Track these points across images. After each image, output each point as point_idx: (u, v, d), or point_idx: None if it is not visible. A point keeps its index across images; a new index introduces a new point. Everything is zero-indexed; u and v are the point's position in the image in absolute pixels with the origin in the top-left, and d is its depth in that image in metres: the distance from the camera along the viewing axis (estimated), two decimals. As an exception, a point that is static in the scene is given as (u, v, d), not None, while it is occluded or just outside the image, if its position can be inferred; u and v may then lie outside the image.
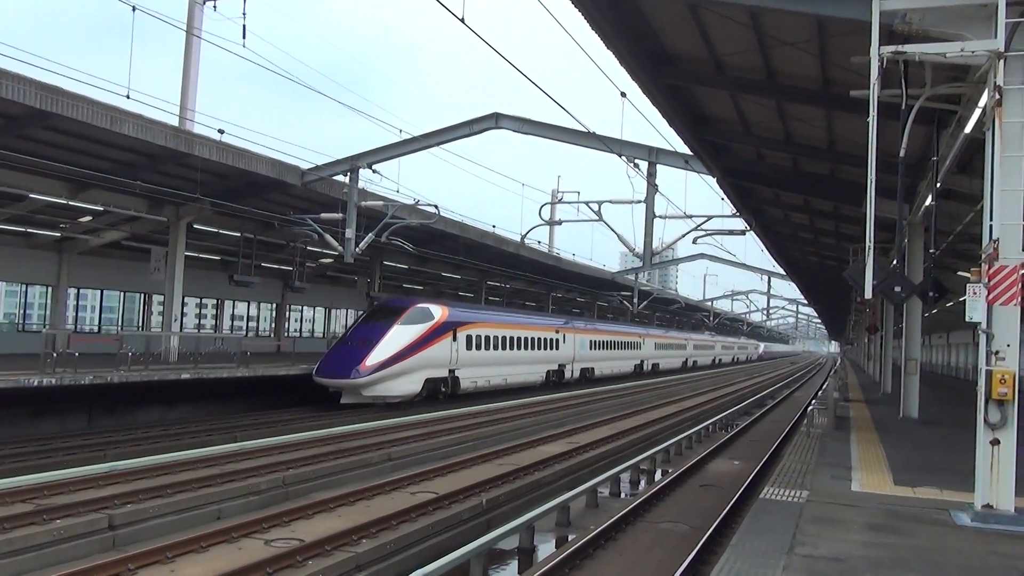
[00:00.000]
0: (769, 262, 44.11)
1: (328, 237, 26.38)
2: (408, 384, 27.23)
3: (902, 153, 10.24)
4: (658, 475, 17.39)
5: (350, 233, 25.63)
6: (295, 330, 43.29)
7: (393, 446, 18.20)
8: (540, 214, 26.88)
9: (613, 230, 25.96)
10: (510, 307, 49.67)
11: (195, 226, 27.04)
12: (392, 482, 14.12)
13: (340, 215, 25.59)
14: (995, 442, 8.58)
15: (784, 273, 47.70)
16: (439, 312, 28.97)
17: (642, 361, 54.08)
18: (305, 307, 43.86)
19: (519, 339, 35.32)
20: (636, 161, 21.65)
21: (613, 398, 34.72)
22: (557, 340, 39.55)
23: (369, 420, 22.50)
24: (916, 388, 19.83)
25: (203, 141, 20.83)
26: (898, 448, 14.64)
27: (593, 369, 44.33)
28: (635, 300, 52.53)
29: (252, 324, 40.72)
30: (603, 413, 28.66)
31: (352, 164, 24.85)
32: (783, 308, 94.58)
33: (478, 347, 31.40)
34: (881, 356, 34.49)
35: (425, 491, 13.65)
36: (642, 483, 16.53)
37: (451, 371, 29.67)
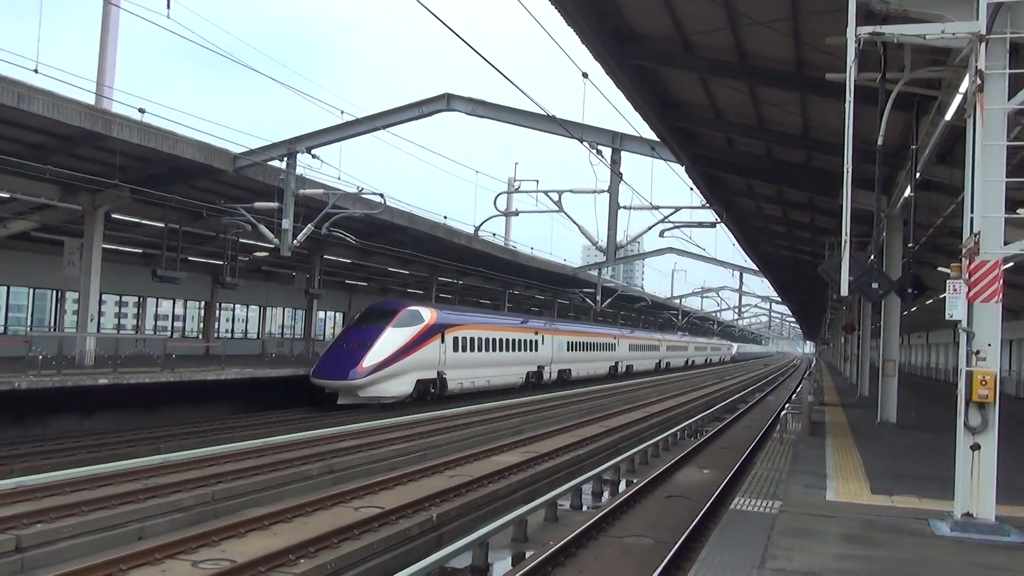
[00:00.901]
0: (741, 257, 44.75)
1: (263, 228, 26.09)
2: (401, 385, 30.21)
3: (880, 141, 10.45)
4: (622, 486, 17.50)
5: (287, 224, 25.38)
6: (226, 330, 42.73)
7: (335, 457, 18.08)
8: (495, 204, 26.91)
9: (575, 222, 26.08)
10: (492, 309, 52.62)
11: (114, 216, 26.52)
12: (333, 496, 14.01)
13: (276, 204, 25.31)
14: (975, 447, 8.79)
15: (757, 269, 48.39)
16: (428, 315, 32.15)
17: (617, 363, 57.48)
18: (237, 305, 43.32)
19: (502, 341, 38.60)
20: (599, 147, 21.77)
21: (575, 403, 34.91)
22: (536, 342, 42.87)
23: (309, 429, 22.35)
24: (894, 391, 20.26)
25: (122, 121, 20.42)
26: (875, 454, 14.95)
27: (570, 371, 47.65)
28: (598, 298, 52.85)
29: (178, 324, 40.10)
30: (564, 419, 28.79)
31: (289, 148, 24.58)
32: (756, 306, 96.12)
33: (464, 349, 34.55)
34: (858, 357, 35.22)
35: (370, 506, 13.57)
36: (605, 495, 16.63)
37: (439, 373, 32.69)
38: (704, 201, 25.59)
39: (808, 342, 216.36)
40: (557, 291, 57.00)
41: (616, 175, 22.79)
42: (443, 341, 32.71)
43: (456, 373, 33.78)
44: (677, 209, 26.37)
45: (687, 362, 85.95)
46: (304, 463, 17.18)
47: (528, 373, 41.95)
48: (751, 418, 32.17)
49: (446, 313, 34.31)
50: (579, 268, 53.06)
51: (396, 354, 29.79)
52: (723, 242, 43.07)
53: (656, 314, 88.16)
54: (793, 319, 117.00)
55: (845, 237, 9.72)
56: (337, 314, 51.83)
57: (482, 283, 50.75)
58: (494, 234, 39.24)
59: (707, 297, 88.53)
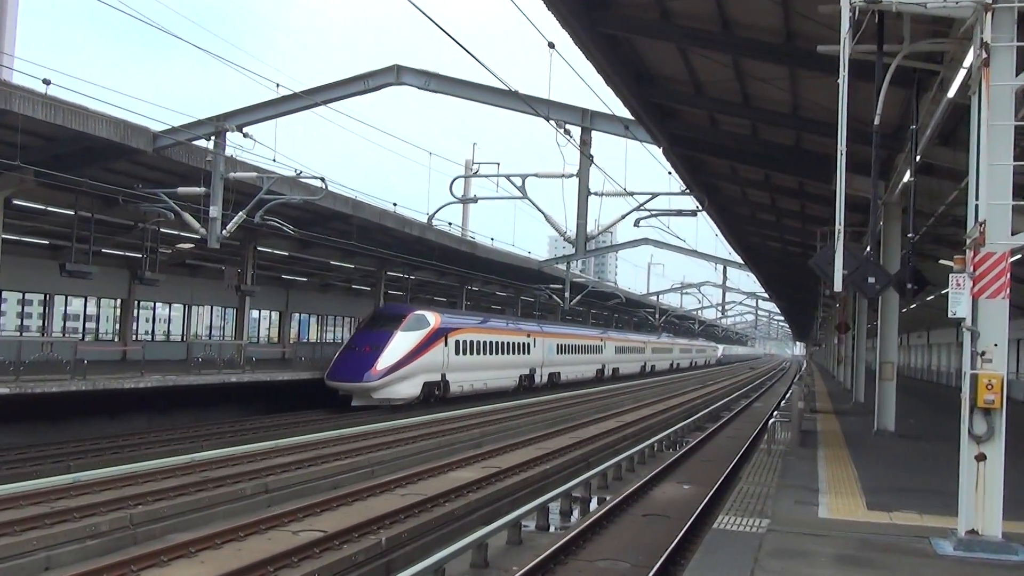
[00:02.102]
0: (724, 249, 45.18)
1: (188, 217, 25.80)
2: (410, 388, 34.96)
3: (877, 120, 10.57)
4: (594, 504, 17.61)
5: (215, 211, 25.12)
6: (146, 332, 42.20)
7: (270, 474, 17.97)
8: (451, 190, 26.80)
9: (540, 210, 26.09)
10: (484, 312, 56.80)
11: (15, 202, 26.04)
12: (270, 519, 13.92)
13: (202, 189, 25.03)
14: (980, 457, 8.92)
15: (742, 262, 48.83)
16: (433, 319, 37.12)
17: (603, 365, 62.66)
18: (159, 304, 42.81)
19: (498, 344, 43.52)
20: (567, 126, 21.79)
21: (542, 411, 35.02)
22: (528, 344, 47.78)
23: (241, 444, 22.19)
24: (892, 396, 20.56)
25: (24, 94, 20.03)
26: (872, 466, 15.17)
27: (559, 374, 52.61)
28: (567, 294, 52.98)
29: (90, 325, 39.53)
30: (528, 430, 28.87)
31: (217, 126, 24.31)
32: (741, 303, 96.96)
33: (465, 352, 39.41)
34: (853, 359, 35.70)
35: (311, 529, 13.50)
36: (575, 514, 16.71)
37: (443, 375, 37.50)
38: (684, 187, 25.74)
39: (798, 343, 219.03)
40: (521, 287, 57.05)
41: (586, 157, 22.84)
42: (446, 344, 37.56)
43: (457, 376, 38.56)
44: (654, 196, 26.48)
45: (672, 365, 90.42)
46: (236, 481, 17.04)
47: (521, 376, 46.67)
48: (736, 427, 32.49)
49: (448, 317, 39.27)
50: (545, 261, 53.14)
51: (406, 357, 34.63)
52: (705, 232, 43.59)
53: (631, 312, 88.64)
54: (782, 318, 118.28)
55: (839, 227, 9.83)
56: (273, 313, 51.43)
57: (436, 278, 50.64)
58: (450, 223, 39.11)
59: (687, 293, 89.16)
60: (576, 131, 22.28)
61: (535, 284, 55.47)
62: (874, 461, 15.93)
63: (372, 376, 33.39)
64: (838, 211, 9.81)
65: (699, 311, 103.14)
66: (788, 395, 35.40)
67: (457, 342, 38.75)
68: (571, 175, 23.67)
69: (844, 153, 9.76)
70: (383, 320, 36.28)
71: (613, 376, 64.95)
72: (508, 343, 44.90)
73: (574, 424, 30.62)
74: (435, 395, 36.75)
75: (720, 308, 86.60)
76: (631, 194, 26.13)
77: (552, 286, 55.54)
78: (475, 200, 30.31)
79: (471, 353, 40.02)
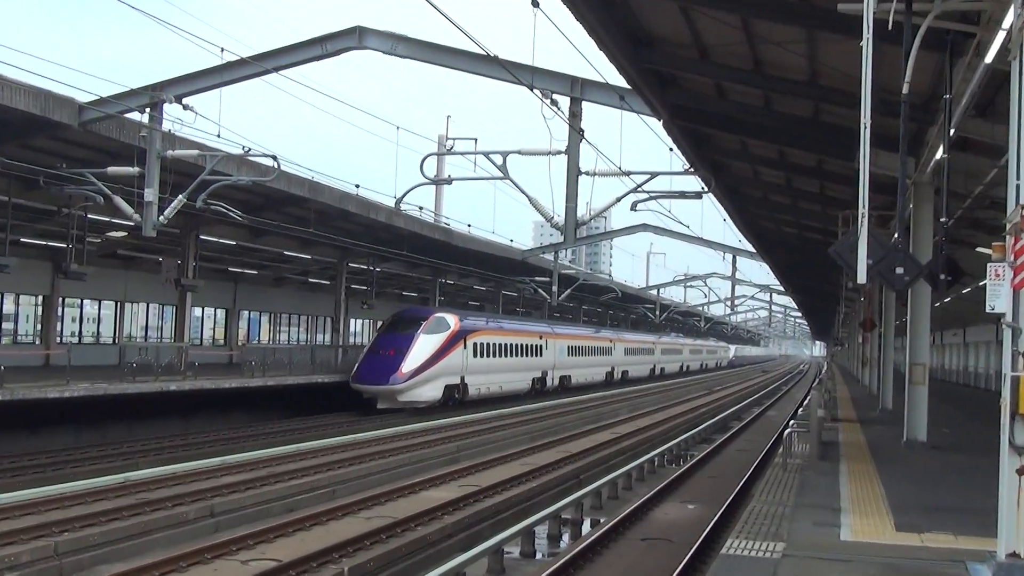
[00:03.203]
0: (734, 236, 45.26)
1: (119, 201, 25.66)
2: (432, 391, 39.19)
3: (905, 89, 10.62)
4: (586, 527, 17.61)
5: (151, 195, 24.99)
6: (72, 333, 41.96)
7: (217, 496, 17.91)
8: (422, 170, 26.73)
9: (524, 192, 26.09)
10: (503, 313, 61.06)
11: (-80, 184, 25.86)
12: (216, 546, 13.87)
13: (136, 170, 24.90)
14: (1023, 471, 8.98)
15: (753, 251, 48.98)
16: (453, 321, 41.54)
17: (612, 368, 67.26)
18: (87, 301, 42.58)
19: (513, 346, 48.26)
20: (554, 97, 21.79)
21: (524, 423, 35.07)
22: (541, 346, 52.16)
23: (184, 460, 22.12)
24: (924, 402, 20.67)
25: (-69, 61, 19.86)
26: (901, 482, 15.26)
27: (570, 377, 56.70)
28: (554, 288, 53.03)
29: (8, 326, 39.27)
30: (510, 444, 28.89)
31: (153, 96, 24.18)
32: (753, 298, 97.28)
33: (483, 354, 43.88)
34: (879, 360, 35.86)
35: (263, 558, 13.46)
36: (565, 538, 16.73)
37: (462, 378, 41.73)
38: (687, 165, 25.77)
39: (817, 342, 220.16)
40: (502, 280, 57.06)
41: (576, 132, 22.85)
42: (465, 347, 41.79)
43: (475, 379, 42.87)
44: (653, 175, 26.50)
45: (681, 367, 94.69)
46: (178, 504, 16.97)
47: (533, 379, 51.05)
48: (747, 439, 32.62)
49: (466, 319, 43.66)
50: (530, 251, 53.15)
51: (430, 360, 38.91)
52: (711, 217, 43.72)
53: (628, 309, 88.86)
54: (799, 314, 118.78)
55: (863, 210, 9.88)
56: (219, 311, 51.26)
57: (406, 270, 50.58)
58: (421, 208, 39.05)
59: (691, 287, 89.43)
60: (564, 102, 22.27)
61: (518, 277, 55.51)
62: (903, 476, 16.03)
63: (398, 379, 37.53)
64: (862, 192, 9.86)
65: (705, 306, 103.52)
66: (806, 402, 35.56)
67: (475, 344, 43.16)
68: (559, 152, 23.67)
69: (868, 126, 9.80)
70: (404, 323, 40.69)
71: (622, 380, 68.64)
72: (522, 345, 49.55)
73: (560, 437, 30.64)
74: (455, 398, 41.10)
75: (729, 303, 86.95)
76: (627, 174, 26.15)
77: (538, 279, 55.60)
78: (449, 181, 30.27)
79: (488, 355, 44.54)
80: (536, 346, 51.59)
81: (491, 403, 42.47)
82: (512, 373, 47.71)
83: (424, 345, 39.06)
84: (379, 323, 64.40)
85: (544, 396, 49.31)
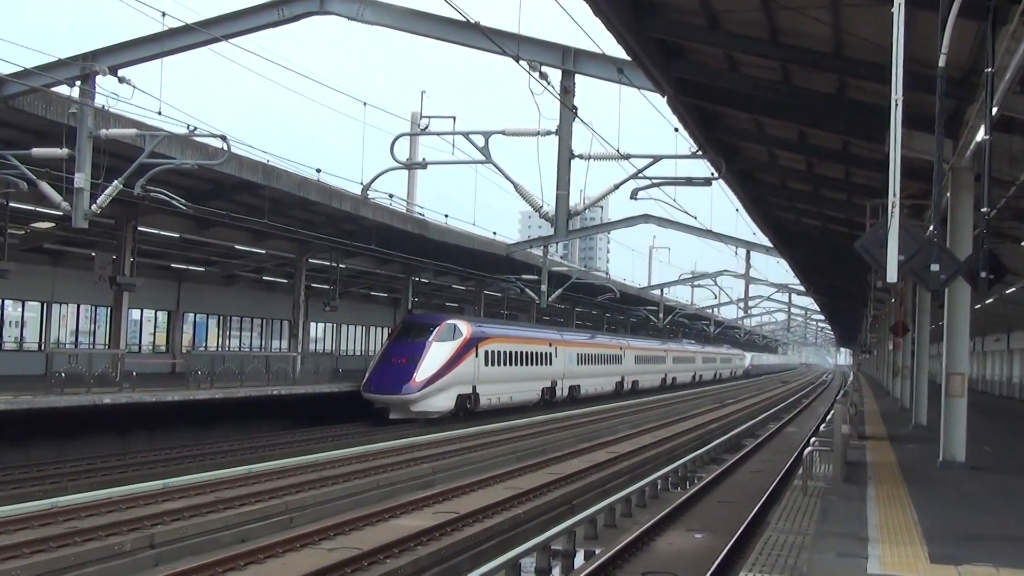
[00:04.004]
0: (748, 228, 45.34)
1: (46, 187, 25.56)
2: (445, 400, 42.59)
3: (942, 62, 10.64)
4: (579, 559, 17.61)
5: (82, 180, 24.90)
6: (-8, 340, 41.77)
7: (158, 524, 17.87)
8: (393, 152, 26.69)
9: (509, 178, 26.09)
10: (511, 318, 66.18)
11: None
12: (155, 583, 13.82)
13: (65, 151, 24.80)
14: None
15: (770, 245, 49.09)
16: (465, 329, 44.83)
17: (622, 378, 70.84)
18: (8, 301, 42.38)
19: (524, 354, 51.58)
20: (543, 69, 21.79)
21: (511, 441, 35.07)
22: (550, 355, 55.72)
23: (117, 485, 22.02)
24: (963, 417, 20.70)
25: None
26: (936, 507, 15.29)
27: (579, 387, 60.28)
28: (543, 288, 53.02)
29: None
30: (494, 465, 28.88)
31: (85, 67, 24.09)
32: (769, 298, 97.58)
33: (494, 363, 47.20)
34: (912, 369, 35.97)
35: (209, 596, 13.41)
36: (555, 572, 16.72)
37: (474, 388, 44.95)
38: (695, 148, 25.81)
39: (842, 349, 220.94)
40: (484, 278, 57.03)
41: (568, 110, 22.85)
42: (476, 355, 45.04)
43: (486, 388, 46.19)
44: (656, 159, 26.53)
45: (694, 377, 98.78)
46: (113, 533, 16.92)
47: (543, 389, 54.66)
48: (762, 458, 32.69)
49: (477, 326, 47.07)
50: (516, 245, 53.11)
51: (443, 369, 42.20)
52: (722, 207, 43.45)
53: (628, 311, 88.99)
54: (822, 317, 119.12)
55: (894, 199, 9.91)
56: (160, 313, 51.08)
57: (374, 266, 50.49)
58: (391, 196, 38.89)
59: (700, 286, 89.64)
60: (555, 75, 22.29)
61: (503, 275, 55.47)
62: (939, 501, 16.06)
63: (411, 388, 40.88)
64: (893, 179, 9.88)
65: (715, 309, 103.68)
66: (829, 417, 35.66)
67: (486, 352, 46.43)
68: (548, 133, 23.67)
69: (900, 104, 9.83)
70: (415, 330, 44.09)
71: (632, 390, 72.39)
72: (533, 353, 53.06)
73: (552, 457, 30.65)
74: (466, 408, 44.33)
75: (743, 305, 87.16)
76: (626, 157, 26.17)
77: (525, 277, 55.54)
78: (424, 165, 30.26)
79: (500, 364, 47.90)
80: (546, 354, 55.01)
81: (492, 416, 45.08)
82: (523, 383, 51.06)
83: (437, 353, 42.35)
84: (342, 327, 65.18)
85: (553, 407, 52.70)
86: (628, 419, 47.96)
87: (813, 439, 25.12)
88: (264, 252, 43.40)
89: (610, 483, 26.05)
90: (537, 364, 53.65)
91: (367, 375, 42.23)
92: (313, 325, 59.95)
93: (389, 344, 44.61)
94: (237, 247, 41.67)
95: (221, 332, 55.98)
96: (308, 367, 44.84)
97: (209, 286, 51.21)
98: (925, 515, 14.49)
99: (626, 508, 21.80)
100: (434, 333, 43.16)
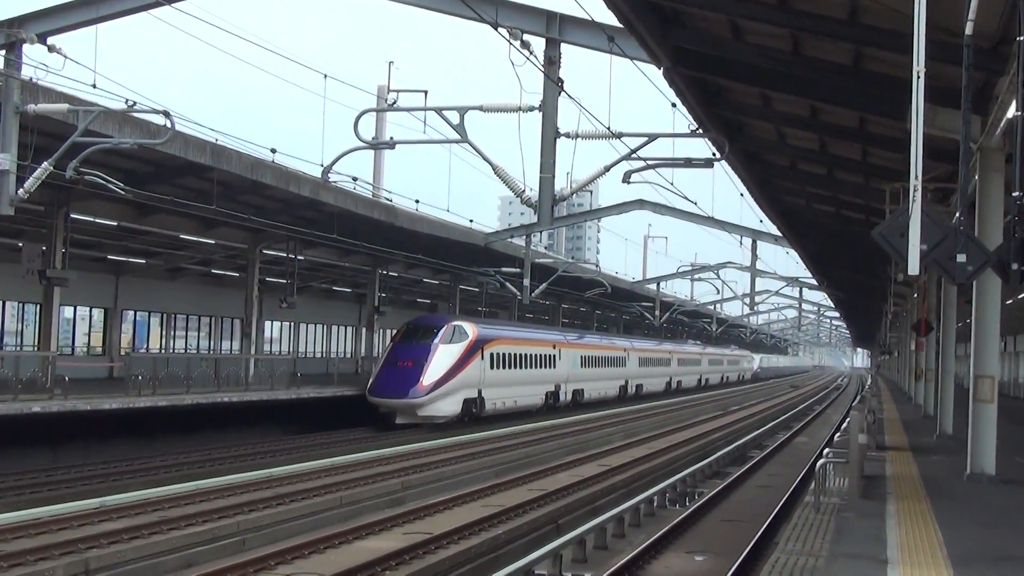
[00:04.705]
0: (754, 215, 45.42)
1: (-34, 169, 25.43)
2: (452, 404, 45.51)
3: (969, 30, 10.68)
4: (566, 585, 17.64)
5: (7, 161, 24.80)
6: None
7: (93, 547, 17.81)
8: (357, 130, 26.67)
9: (487, 159, 26.09)
10: (521, 320, 69.09)
11: None
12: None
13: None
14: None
15: (778, 234, 49.21)
16: (471, 330, 47.81)
17: (626, 381, 74.19)
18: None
19: (529, 356, 54.84)
20: (525, 37, 21.79)
21: (488, 454, 35.04)
22: (554, 357, 58.93)
23: (45, 504, 21.93)
24: (992, 424, 20.78)
25: None
26: (963, 525, 15.36)
27: (583, 391, 63.36)
28: (526, 282, 53.04)
29: None
30: (471, 480, 28.88)
31: (10, 35, 24.00)
32: (778, 293, 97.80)
33: (500, 366, 50.34)
34: (937, 372, 36.12)
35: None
36: (539, 599, 16.76)
37: (479, 391, 47.88)
38: (694, 126, 25.85)
39: (859, 350, 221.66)
40: (460, 271, 56.98)
41: (553, 83, 22.87)
42: (483, 358, 48.12)
43: (492, 392, 49.16)
44: (651, 138, 26.57)
45: (701, 380, 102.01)
46: (42, 558, 16.86)
47: (547, 393, 57.69)
48: (770, 471, 32.78)
49: (482, 327, 50.13)
50: (495, 234, 53.10)
51: (450, 372, 45.09)
52: (725, 192, 43.34)
53: (620, 308, 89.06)
54: (836, 314, 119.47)
55: (915, 182, 9.94)
56: (96, 311, 50.86)
57: (337, 258, 50.40)
58: (355, 179, 38.73)
59: (700, 279, 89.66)
60: (539, 44, 22.30)
61: (481, 268, 55.45)
62: (966, 518, 16.13)
63: (419, 392, 43.69)
64: (914, 160, 9.92)
65: (718, 305, 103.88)
66: (844, 425, 35.79)
67: (492, 355, 49.42)
68: (531, 109, 23.68)
69: (923, 76, 9.87)
70: (421, 332, 46.91)
71: (636, 395, 75.34)
72: (537, 355, 56.37)
73: (535, 471, 30.65)
74: (472, 413, 47.18)
75: (748, 301, 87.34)
76: (618, 136, 26.22)
77: (505, 270, 55.53)
78: (392, 145, 30.24)
79: (505, 367, 51.09)
80: (550, 356, 58.25)
81: (498, 421, 48.03)
82: (527, 386, 54.40)
83: (444, 356, 45.32)
84: (301, 326, 65.09)
85: (556, 413, 55.65)
86: (619, 428, 48.01)
87: (827, 450, 25.15)
88: (213, 242, 43.24)
89: (601, 499, 26.08)
90: (541, 367, 56.68)
91: (372, 378, 44.93)
92: (268, 324, 59.83)
93: (394, 346, 47.09)
94: (182, 237, 41.49)
95: (165, 332, 55.82)
96: (262, 371, 44.74)
97: (151, 280, 51.00)
98: (951, 534, 14.56)
99: (618, 528, 21.83)
100: (440, 335, 46.00)
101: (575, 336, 66.98)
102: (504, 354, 51.20)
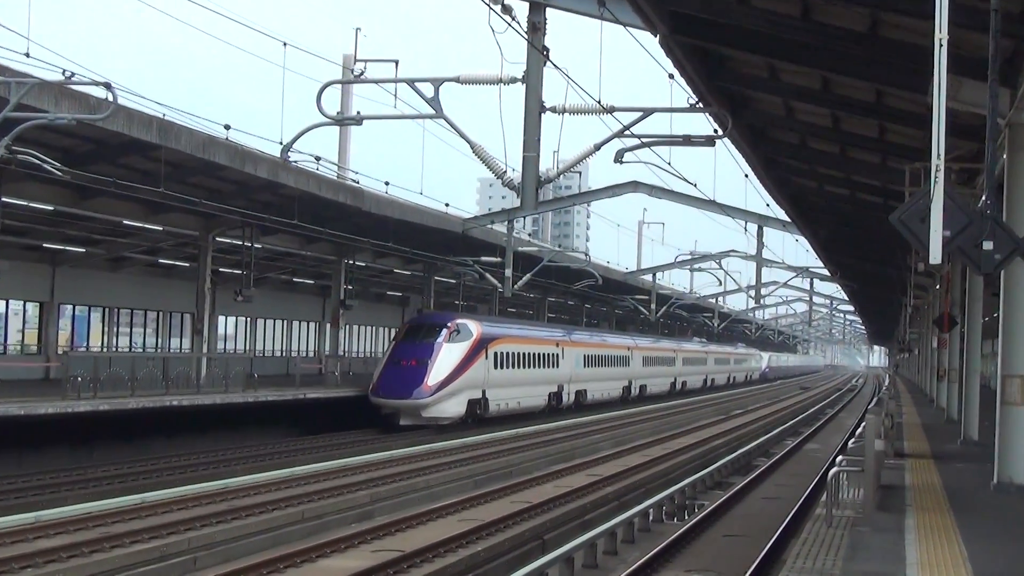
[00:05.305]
0: (760, 198, 45.43)
1: None
2: (457, 405, 48.38)
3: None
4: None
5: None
6: None
7: (27, 566, 17.75)
8: (320, 104, 26.64)
9: (465, 137, 26.10)
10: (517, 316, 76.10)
11: None
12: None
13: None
14: None
15: (786, 220, 49.25)
16: (475, 328, 50.59)
17: (630, 382, 77.33)
18: None
19: (532, 355, 58.00)
20: (507, 2, 21.78)
21: (465, 463, 35.05)
22: (557, 356, 62.01)
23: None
24: (1023, 429, 20.87)
25: None
26: (991, 541, 15.40)
27: (586, 392, 66.71)
28: (508, 272, 53.00)
29: None
30: (448, 492, 28.87)
31: (-66, -2, 23.87)
32: (787, 285, 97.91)
33: (504, 366, 53.40)
34: (961, 372, 36.21)
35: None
36: (521, 624, 16.75)
37: (483, 392, 50.85)
38: (694, 99, 25.87)
39: (876, 348, 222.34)
40: (434, 261, 56.98)
41: (538, 52, 22.86)
42: (487, 357, 50.93)
43: (495, 393, 52.17)
44: (647, 113, 26.62)
45: (706, 381, 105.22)
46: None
47: (550, 394, 60.76)
48: (777, 482, 32.83)
49: (487, 325, 53.24)
50: (474, 220, 53.05)
51: (454, 371, 47.75)
52: (728, 172, 43.30)
53: (612, 302, 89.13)
54: (850, 308, 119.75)
55: (938, 162, 9.95)
56: (29, 305, 50.71)
57: (298, 246, 50.32)
58: (319, 159, 38.69)
59: (700, 270, 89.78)
60: (522, 9, 22.28)
61: (458, 257, 55.46)
62: (994, 532, 16.17)
63: (423, 392, 46.35)
64: (936, 137, 9.92)
65: (720, 298, 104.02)
66: (859, 431, 35.91)
67: (496, 354, 52.33)
68: (513, 81, 23.68)
69: (945, 44, 9.87)
70: (424, 330, 49.77)
71: (640, 396, 78.55)
72: (540, 354, 59.53)
73: (518, 482, 30.65)
74: (476, 414, 50.14)
75: (753, 293, 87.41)
76: (610, 111, 26.24)
77: (485, 259, 55.54)
78: (359, 121, 30.28)
79: (508, 367, 54.13)
80: (553, 355, 61.43)
81: (501, 423, 50.57)
82: (531, 387, 57.69)
83: (448, 355, 48.03)
84: (258, 321, 65.05)
85: (559, 415, 58.62)
86: (608, 435, 48.11)
87: (840, 457, 25.18)
88: (160, 229, 43.15)
89: (590, 512, 26.10)
90: (545, 367, 59.98)
91: (374, 378, 47.40)
92: (222, 319, 59.80)
93: (396, 345, 49.91)
94: (126, 223, 41.41)
95: (107, 328, 55.70)
96: (216, 371, 44.62)
97: (92, 272, 50.88)
98: (977, 550, 14.59)
99: (610, 544, 21.83)
100: (444, 334, 48.77)
101: (577, 333, 70.32)
102: (509, 353, 54.09)
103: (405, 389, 46.43)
